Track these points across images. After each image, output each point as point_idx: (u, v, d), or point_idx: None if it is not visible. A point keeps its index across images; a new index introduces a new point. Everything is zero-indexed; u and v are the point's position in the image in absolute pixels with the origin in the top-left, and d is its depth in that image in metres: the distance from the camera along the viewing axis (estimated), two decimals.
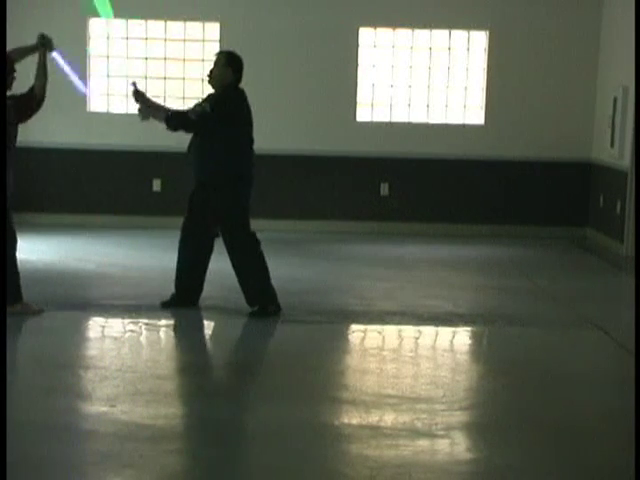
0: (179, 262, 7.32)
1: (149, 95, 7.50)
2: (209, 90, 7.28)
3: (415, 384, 5.71)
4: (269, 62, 11.52)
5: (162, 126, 7.07)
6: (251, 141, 7.18)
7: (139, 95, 7.21)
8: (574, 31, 11.71)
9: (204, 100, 7.24)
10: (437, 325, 7.24)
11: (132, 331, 6.77)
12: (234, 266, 7.19)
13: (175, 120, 7.07)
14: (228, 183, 7.06)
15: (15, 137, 6.85)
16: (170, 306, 7.28)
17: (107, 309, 7.31)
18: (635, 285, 8.28)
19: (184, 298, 7.32)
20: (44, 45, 7.12)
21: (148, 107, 7.19)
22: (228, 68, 7.10)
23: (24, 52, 7.15)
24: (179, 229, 7.33)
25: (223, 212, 7.13)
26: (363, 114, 11.85)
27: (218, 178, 7.07)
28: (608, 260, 10.40)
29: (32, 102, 6.94)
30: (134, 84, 7.26)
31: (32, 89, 6.95)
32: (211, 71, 7.15)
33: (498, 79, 11.72)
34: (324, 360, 6.25)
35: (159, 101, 7.88)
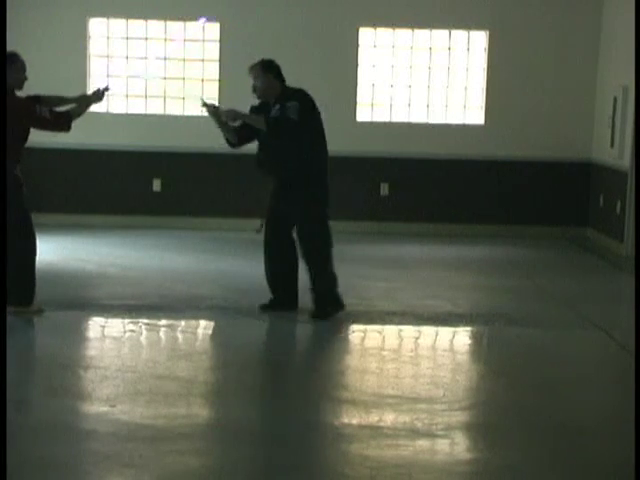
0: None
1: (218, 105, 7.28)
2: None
3: (415, 384, 5.71)
4: None
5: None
6: (323, 138, 7.12)
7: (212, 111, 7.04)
8: (574, 31, 11.71)
9: (257, 108, 7.11)
10: (437, 325, 7.25)
11: (132, 331, 6.77)
12: (303, 255, 7.10)
13: (273, 128, 6.93)
14: (310, 181, 7.03)
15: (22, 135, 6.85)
16: (269, 309, 7.20)
17: (107, 309, 7.31)
18: (635, 285, 8.28)
19: (284, 301, 7.22)
20: (99, 98, 7.00)
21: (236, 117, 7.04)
22: (268, 76, 7.03)
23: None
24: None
25: (304, 206, 7.02)
26: (363, 114, 11.84)
27: (301, 176, 7.01)
28: (608, 260, 10.40)
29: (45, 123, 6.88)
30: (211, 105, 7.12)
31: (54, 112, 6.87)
32: (254, 86, 7.04)
33: (498, 79, 11.72)
34: (324, 360, 6.26)
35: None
